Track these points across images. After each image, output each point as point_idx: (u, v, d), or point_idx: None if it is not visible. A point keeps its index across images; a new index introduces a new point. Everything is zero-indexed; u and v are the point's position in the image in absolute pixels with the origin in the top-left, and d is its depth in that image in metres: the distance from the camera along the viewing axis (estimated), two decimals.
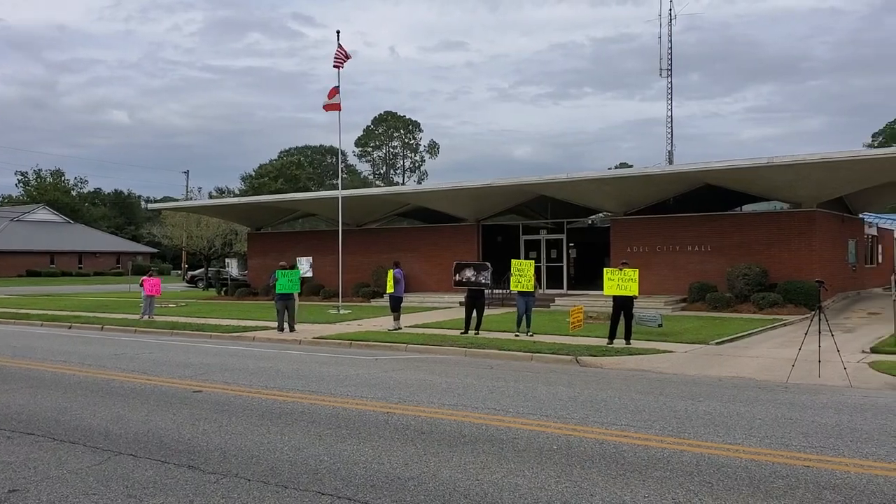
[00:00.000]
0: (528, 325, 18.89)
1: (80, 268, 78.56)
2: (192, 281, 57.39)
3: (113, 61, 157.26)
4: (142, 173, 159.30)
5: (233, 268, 51.13)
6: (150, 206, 47.56)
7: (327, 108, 27.65)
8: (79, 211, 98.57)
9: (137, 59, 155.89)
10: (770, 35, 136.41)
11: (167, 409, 9.36)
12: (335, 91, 27.35)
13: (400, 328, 20.56)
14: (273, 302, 22.26)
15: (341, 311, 26.75)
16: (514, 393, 10.30)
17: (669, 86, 54.61)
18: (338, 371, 12.64)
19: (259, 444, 7.50)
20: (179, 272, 72.98)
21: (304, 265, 26.36)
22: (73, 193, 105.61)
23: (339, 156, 29.38)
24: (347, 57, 26.62)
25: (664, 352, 15.92)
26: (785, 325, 21.68)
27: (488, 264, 20.17)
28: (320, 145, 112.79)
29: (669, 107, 53.75)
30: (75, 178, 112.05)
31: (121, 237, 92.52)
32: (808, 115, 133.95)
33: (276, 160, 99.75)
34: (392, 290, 21.24)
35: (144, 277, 27.48)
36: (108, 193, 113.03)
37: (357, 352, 16.71)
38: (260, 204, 37.24)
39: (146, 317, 26.01)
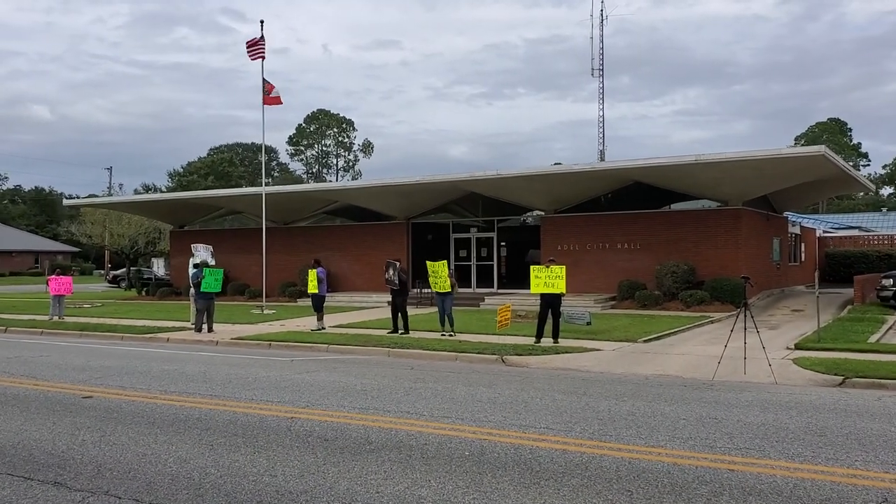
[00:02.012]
0: (451, 325, 18.42)
1: None
2: (115, 281, 55.28)
3: (33, 54, 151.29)
4: (66, 170, 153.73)
5: (159, 267, 49.26)
6: (67, 202, 45.25)
7: (267, 101, 26.61)
8: None
9: (59, 52, 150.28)
10: (696, 40, 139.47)
11: (48, 417, 8.50)
12: (271, 86, 26.43)
13: (324, 328, 19.85)
14: (190, 301, 21.25)
15: (265, 311, 25.88)
16: (431, 395, 9.74)
17: (601, 85, 55.00)
18: (248, 373, 11.89)
19: (142, 455, 6.76)
20: (102, 272, 70.43)
21: (203, 253, 24.55)
22: None
23: (263, 151, 28.39)
24: (258, 44, 25.62)
25: (592, 350, 15.64)
26: (712, 322, 21.73)
27: (395, 262, 19.62)
28: (252, 143, 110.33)
29: (601, 106, 54.11)
30: None
31: (41, 236, 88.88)
32: (734, 118, 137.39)
33: (206, 157, 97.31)
34: (315, 290, 20.49)
35: (51, 276, 26.21)
36: (29, 191, 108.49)
37: (275, 353, 15.95)
38: (180, 200, 35.89)
39: (55, 317, 24.76)
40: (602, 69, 63.21)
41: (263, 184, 27.91)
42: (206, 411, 8.65)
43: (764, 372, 12.62)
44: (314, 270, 20.61)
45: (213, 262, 22.68)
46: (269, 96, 25.69)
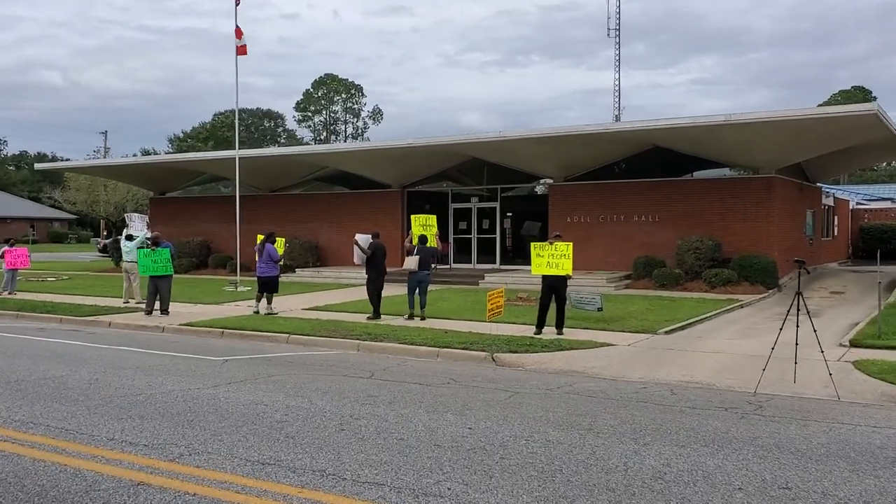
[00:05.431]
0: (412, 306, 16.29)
1: None
2: (106, 250, 52.75)
3: (42, 19, 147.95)
4: (76, 136, 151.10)
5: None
6: (38, 165, 42.53)
7: (240, 50, 23.74)
8: None
9: (68, 18, 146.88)
10: (712, 7, 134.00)
11: None
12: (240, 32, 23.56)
13: (258, 312, 17.09)
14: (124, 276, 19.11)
15: (238, 289, 23.11)
16: (373, 432, 6.90)
17: (617, 46, 51.59)
18: (148, 385, 9.08)
19: None
20: (99, 241, 68.09)
21: (137, 223, 22.08)
22: None
23: (237, 107, 25.13)
24: None
25: (603, 344, 12.90)
26: (742, 306, 18.94)
27: (361, 235, 17.04)
28: (257, 108, 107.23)
29: (616, 66, 50.77)
30: None
31: (42, 203, 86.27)
32: (750, 88, 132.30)
33: (208, 122, 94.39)
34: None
35: (5, 248, 23.59)
36: (35, 156, 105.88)
37: (218, 346, 13.20)
38: (155, 165, 33.12)
39: (6, 293, 22.24)
40: (619, 30, 59.82)
41: (237, 146, 24.96)
42: (28, 465, 5.81)
43: (819, 380, 9.88)
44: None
45: (144, 234, 19.96)
46: (239, 45, 22.78)
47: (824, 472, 5.91)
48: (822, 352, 10.27)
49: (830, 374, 9.69)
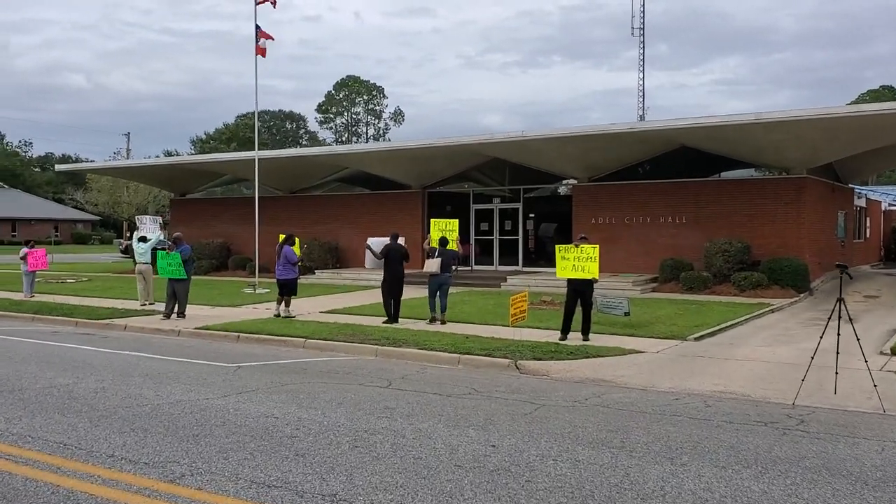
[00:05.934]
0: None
1: (14, 235, 73.27)
2: (128, 252, 52.85)
3: (67, 22, 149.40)
4: (100, 139, 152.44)
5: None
6: (59, 167, 42.68)
7: (259, 50, 23.47)
8: (20, 176, 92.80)
9: (93, 21, 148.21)
10: (736, 6, 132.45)
11: None
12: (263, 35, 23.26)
13: (278, 315, 16.72)
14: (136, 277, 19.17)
15: (257, 291, 22.82)
16: (389, 450, 6.45)
17: (641, 44, 50.88)
18: (156, 394, 8.70)
19: None
20: (122, 241, 68.41)
21: (149, 224, 21.89)
22: (18, 157, 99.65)
23: (256, 108, 24.80)
24: None
25: (631, 351, 12.40)
26: (773, 311, 18.30)
27: (374, 239, 16.66)
28: (279, 110, 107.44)
29: (641, 65, 50.07)
30: (20, 141, 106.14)
31: (66, 205, 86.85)
32: (774, 88, 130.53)
33: (231, 124, 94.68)
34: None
35: (27, 249, 23.35)
36: (59, 158, 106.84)
37: (233, 351, 12.83)
38: (175, 166, 32.92)
39: (27, 296, 22.13)
40: (643, 28, 59.11)
41: (256, 147, 24.66)
42: (19, 485, 5.39)
43: (861, 391, 9.36)
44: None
45: (157, 236, 19.78)
46: (259, 45, 22.46)
47: (883, 500, 5.38)
48: (866, 361, 9.72)
49: (875, 386, 9.14)
